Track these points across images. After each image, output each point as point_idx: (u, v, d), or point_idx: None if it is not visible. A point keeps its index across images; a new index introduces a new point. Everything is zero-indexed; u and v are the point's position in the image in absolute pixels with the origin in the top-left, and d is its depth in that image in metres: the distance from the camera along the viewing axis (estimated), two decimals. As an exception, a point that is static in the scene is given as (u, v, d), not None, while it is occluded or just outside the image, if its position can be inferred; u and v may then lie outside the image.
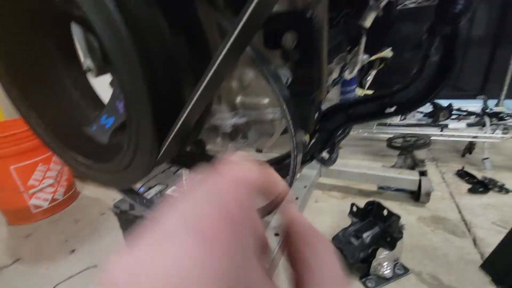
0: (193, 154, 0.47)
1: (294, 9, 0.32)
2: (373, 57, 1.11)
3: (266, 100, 0.40)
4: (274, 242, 0.80)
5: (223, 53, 0.23)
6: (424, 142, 1.55)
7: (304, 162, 0.43)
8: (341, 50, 0.79)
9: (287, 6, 0.33)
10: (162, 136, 0.29)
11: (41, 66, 0.37)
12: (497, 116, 1.72)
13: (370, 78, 1.18)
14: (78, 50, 0.46)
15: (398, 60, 1.18)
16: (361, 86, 1.17)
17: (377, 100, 0.36)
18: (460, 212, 1.35)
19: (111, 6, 0.23)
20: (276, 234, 1.07)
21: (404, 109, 0.35)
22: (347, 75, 0.88)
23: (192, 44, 0.31)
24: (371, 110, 0.38)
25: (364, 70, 1.18)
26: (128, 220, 1.07)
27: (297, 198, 1.16)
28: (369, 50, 1.06)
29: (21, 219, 1.60)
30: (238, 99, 0.41)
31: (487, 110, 1.83)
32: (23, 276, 1.25)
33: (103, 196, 1.80)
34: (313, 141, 0.42)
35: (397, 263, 1.04)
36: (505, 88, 2.11)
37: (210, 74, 0.25)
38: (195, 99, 0.25)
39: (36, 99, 0.37)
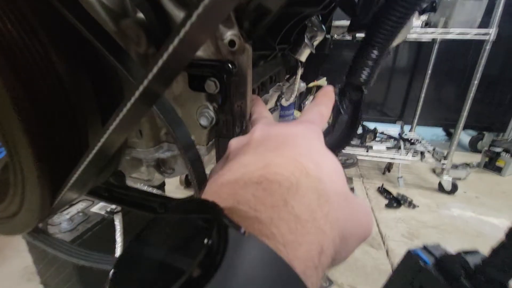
0: (111, 185, 0.44)
1: (217, 58, 0.33)
2: (310, 85, 1.20)
3: (192, 136, 0.40)
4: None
5: (131, 102, 0.23)
6: (352, 162, 1.73)
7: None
8: (279, 80, 0.84)
9: (211, 54, 0.34)
10: (58, 179, 0.26)
11: None
12: (410, 141, 2.03)
13: (307, 103, 1.27)
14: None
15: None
16: (300, 109, 1.26)
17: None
18: (378, 225, 1.53)
19: None
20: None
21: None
22: (284, 102, 0.93)
23: (99, 82, 0.29)
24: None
25: (303, 95, 1.27)
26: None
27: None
28: (306, 78, 1.15)
29: None
30: (163, 133, 0.40)
31: (403, 135, 2.14)
32: None
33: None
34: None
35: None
36: (417, 115, 2.51)
37: (115, 123, 0.24)
38: (98, 145, 0.24)
39: None
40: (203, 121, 0.36)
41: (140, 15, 0.33)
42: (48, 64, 0.21)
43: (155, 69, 0.21)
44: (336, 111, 0.34)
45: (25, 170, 0.22)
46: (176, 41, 0.18)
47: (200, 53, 0.34)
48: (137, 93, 0.22)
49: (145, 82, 0.22)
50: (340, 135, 0.32)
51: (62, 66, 0.22)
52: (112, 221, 0.93)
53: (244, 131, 0.40)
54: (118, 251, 0.91)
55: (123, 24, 0.32)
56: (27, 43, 0.19)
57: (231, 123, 0.35)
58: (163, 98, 0.27)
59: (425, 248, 0.66)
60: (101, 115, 0.27)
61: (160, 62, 0.20)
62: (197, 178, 0.30)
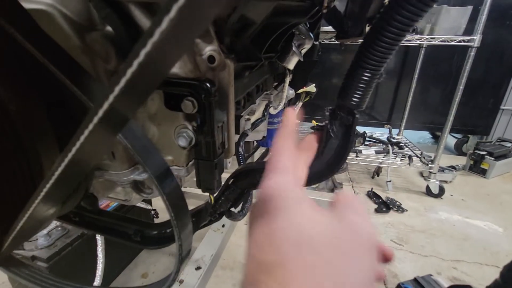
0: (81, 209, 0.40)
1: (195, 75, 0.31)
2: (299, 91, 1.19)
3: (169, 157, 0.37)
4: (195, 277, 0.74)
5: (89, 129, 0.20)
6: (342, 167, 1.73)
7: (212, 221, 0.42)
8: (267, 88, 0.81)
9: (189, 71, 0.31)
10: (6, 220, 0.23)
11: None
12: (398, 145, 2.05)
13: (296, 109, 1.26)
14: None
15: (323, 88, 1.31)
16: (289, 116, 1.24)
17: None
18: (368, 230, 1.52)
19: None
20: (198, 268, 1.02)
21: (309, 182, 0.36)
22: (273, 111, 0.91)
23: (56, 107, 0.26)
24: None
25: (292, 101, 1.25)
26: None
27: (223, 226, 1.14)
28: (295, 85, 1.12)
29: None
30: (138, 154, 0.37)
31: (391, 139, 2.16)
32: None
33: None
34: (222, 199, 0.40)
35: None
36: (405, 119, 2.54)
37: (70, 154, 0.21)
38: (47, 186, 0.21)
39: None
40: (182, 142, 0.33)
41: (109, 28, 0.30)
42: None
43: (116, 90, 0.18)
44: (326, 134, 0.32)
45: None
46: (142, 55, 0.15)
47: (176, 70, 0.31)
48: (95, 119, 0.19)
49: (106, 105, 0.19)
50: (329, 161, 0.30)
51: (5, 91, 0.19)
52: (94, 235, 0.89)
53: (226, 150, 0.37)
54: (99, 268, 0.87)
55: (89, 38, 0.29)
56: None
57: (211, 145, 0.32)
58: (130, 121, 0.24)
59: (416, 281, 0.64)
60: (59, 143, 0.24)
61: (123, 81, 0.17)
62: (175, 211, 0.27)
